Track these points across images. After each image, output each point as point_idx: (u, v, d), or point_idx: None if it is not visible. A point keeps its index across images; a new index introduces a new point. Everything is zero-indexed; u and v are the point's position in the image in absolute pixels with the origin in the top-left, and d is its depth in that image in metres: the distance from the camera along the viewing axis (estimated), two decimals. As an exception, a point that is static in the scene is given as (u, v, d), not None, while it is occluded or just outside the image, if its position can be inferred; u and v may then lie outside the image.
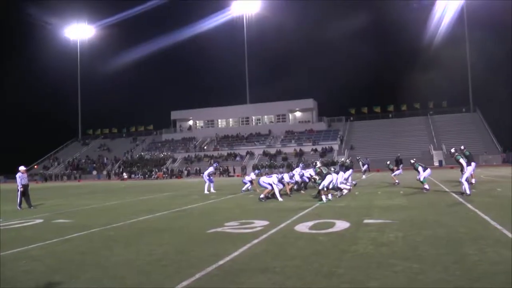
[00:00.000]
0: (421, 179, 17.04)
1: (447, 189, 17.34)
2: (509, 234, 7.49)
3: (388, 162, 24.13)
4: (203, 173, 23.16)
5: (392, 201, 13.78)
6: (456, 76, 71.97)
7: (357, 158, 36.77)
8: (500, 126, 62.99)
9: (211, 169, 22.24)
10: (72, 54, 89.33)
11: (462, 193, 14.52)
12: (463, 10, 69.82)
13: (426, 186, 16.76)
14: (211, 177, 21.81)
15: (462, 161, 15.10)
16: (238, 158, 65.51)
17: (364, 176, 30.44)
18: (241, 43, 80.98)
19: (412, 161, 18.51)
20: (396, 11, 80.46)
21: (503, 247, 6.61)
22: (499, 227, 8.23)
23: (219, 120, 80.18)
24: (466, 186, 14.49)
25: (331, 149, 62.72)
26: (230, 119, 79.47)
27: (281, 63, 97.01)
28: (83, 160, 76.09)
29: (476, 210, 10.69)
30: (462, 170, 15.23)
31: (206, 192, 20.81)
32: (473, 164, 17.12)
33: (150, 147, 77.71)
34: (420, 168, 17.21)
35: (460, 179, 15.53)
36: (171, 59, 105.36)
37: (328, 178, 14.58)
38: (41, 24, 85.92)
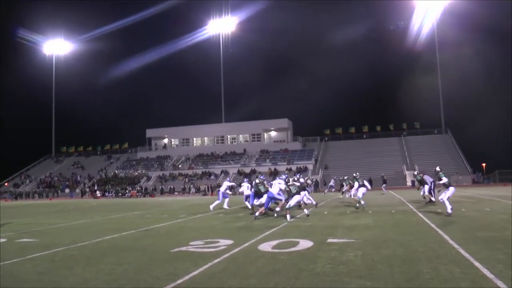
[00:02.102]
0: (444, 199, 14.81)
1: (414, 209, 17.64)
2: (464, 253, 7.70)
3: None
4: (219, 190, 22.95)
5: (358, 221, 13.96)
6: (428, 99, 73.65)
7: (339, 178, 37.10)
8: (470, 148, 64.52)
9: (227, 184, 22.20)
10: (47, 70, 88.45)
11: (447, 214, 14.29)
12: (434, 34, 71.82)
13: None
14: (226, 194, 21.86)
15: (444, 178, 14.98)
16: (212, 177, 65.38)
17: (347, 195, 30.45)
18: (217, 62, 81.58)
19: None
20: (372, 33, 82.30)
21: (456, 265, 6.79)
22: (456, 246, 8.44)
23: (194, 139, 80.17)
24: (447, 204, 14.43)
25: (306, 169, 63.08)
26: (205, 138, 79.55)
27: (256, 82, 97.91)
28: (56, 178, 74.78)
29: (438, 230, 10.93)
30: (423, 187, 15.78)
31: (226, 207, 21.15)
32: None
33: (124, 165, 76.92)
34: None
35: (440, 199, 15.00)
36: (147, 77, 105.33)
37: (296, 198, 14.75)
38: (15, 39, 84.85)
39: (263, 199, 16.04)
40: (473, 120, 72.52)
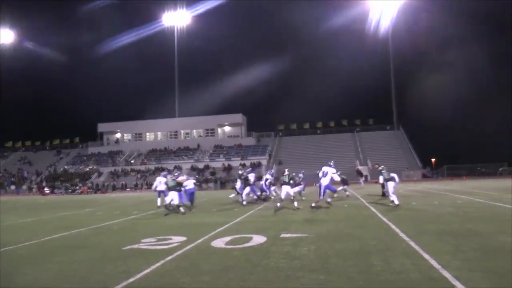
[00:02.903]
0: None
1: (367, 203, 18.06)
2: (414, 245, 7.94)
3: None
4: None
5: (312, 215, 14.16)
6: (381, 96, 75.68)
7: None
8: (420, 144, 66.76)
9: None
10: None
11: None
12: (389, 33, 73.69)
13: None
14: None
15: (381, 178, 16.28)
16: (165, 173, 64.54)
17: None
18: (171, 55, 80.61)
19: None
20: (327, 30, 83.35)
21: (406, 257, 7.00)
22: (406, 238, 8.70)
23: (147, 134, 78.93)
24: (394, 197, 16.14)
25: (260, 164, 63.40)
26: (159, 133, 78.47)
27: (211, 77, 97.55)
28: (0, 174, 71.85)
29: (389, 223, 11.23)
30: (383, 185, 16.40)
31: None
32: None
33: (75, 160, 74.85)
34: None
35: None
36: (99, 69, 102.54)
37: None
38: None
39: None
40: (424, 117, 75.08)
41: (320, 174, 16.36)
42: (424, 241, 8.36)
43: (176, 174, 17.64)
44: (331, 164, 16.96)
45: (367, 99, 77.70)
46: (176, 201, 16.24)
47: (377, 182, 23.07)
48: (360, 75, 79.35)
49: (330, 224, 11.72)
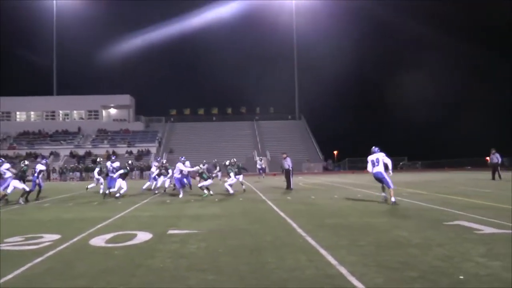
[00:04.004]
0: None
1: (264, 197, 18.52)
2: (310, 241, 8.31)
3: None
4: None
5: (204, 210, 14.24)
6: (284, 84, 77.74)
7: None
8: (322, 135, 69.81)
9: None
10: None
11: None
12: (293, 18, 75.85)
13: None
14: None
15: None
16: (40, 159, 61.25)
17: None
18: (50, 24, 76.19)
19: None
20: (229, 13, 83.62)
21: (302, 253, 7.30)
22: (303, 234, 9.06)
23: (18, 113, 74.12)
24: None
25: (148, 152, 62.47)
26: (32, 112, 74.18)
27: (95, 50, 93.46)
28: None
29: (287, 218, 11.62)
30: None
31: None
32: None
33: None
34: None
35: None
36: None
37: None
38: None
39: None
40: (327, 108, 78.51)
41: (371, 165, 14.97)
42: (321, 236, 8.78)
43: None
44: (376, 149, 14.95)
45: (268, 86, 79.42)
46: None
47: (275, 175, 23.95)
48: (262, 61, 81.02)
49: (223, 219, 11.87)
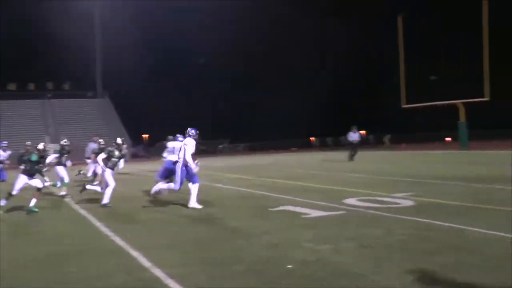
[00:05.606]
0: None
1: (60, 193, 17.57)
2: (119, 241, 8.14)
3: None
4: None
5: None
6: (81, 52, 74.27)
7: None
8: (132, 117, 68.83)
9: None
10: None
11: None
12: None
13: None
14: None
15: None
16: None
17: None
18: None
19: None
20: None
21: (111, 257, 7.20)
22: (110, 233, 8.85)
23: None
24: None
25: None
26: None
27: None
28: None
29: (89, 216, 11.23)
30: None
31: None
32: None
33: None
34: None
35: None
36: None
37: None
38: None
39: None
40: (135, 85, 77.37)
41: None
42: (133, 235, 8.68)
43: None
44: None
45: (62, 57, 75.30)
46: None
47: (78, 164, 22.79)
48: (52, 19, 76.00)
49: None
